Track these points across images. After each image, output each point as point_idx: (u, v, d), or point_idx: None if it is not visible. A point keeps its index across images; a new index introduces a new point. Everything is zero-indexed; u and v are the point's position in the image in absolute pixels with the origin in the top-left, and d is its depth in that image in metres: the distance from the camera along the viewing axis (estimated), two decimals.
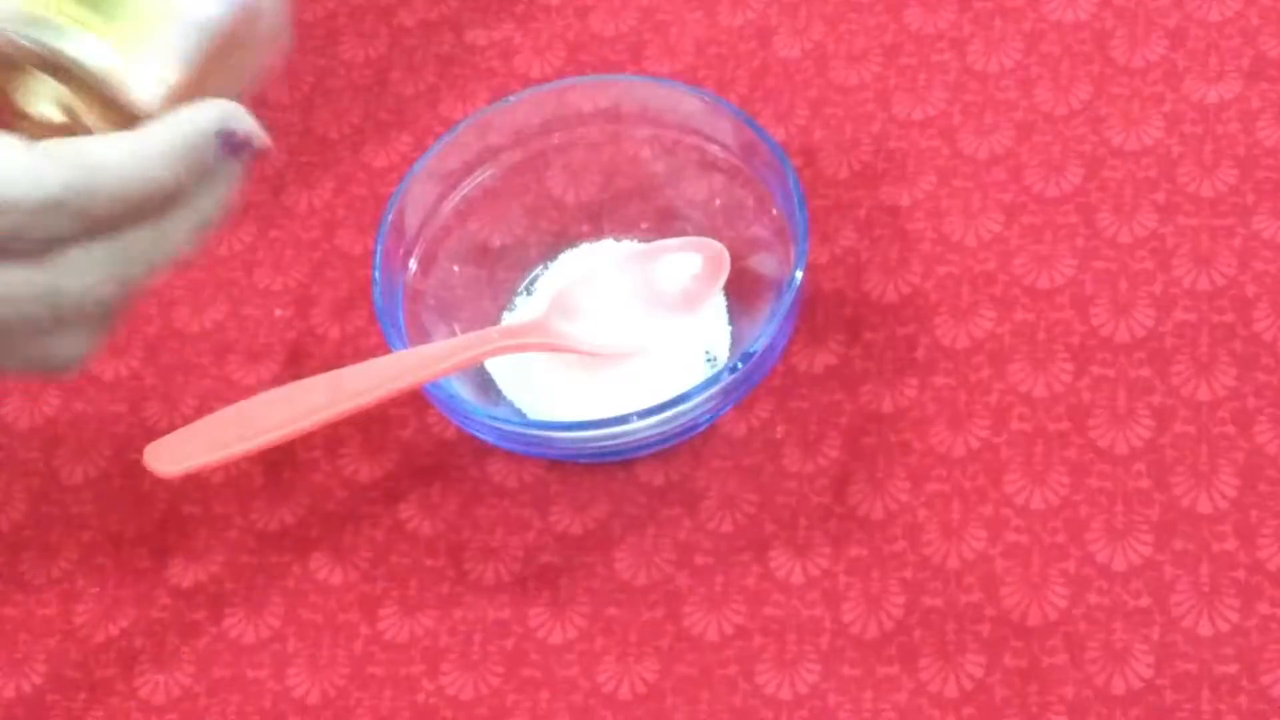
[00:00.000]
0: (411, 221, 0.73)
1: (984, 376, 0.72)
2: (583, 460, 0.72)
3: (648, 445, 0.71)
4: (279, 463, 0.74)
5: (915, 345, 0.73)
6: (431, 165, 0.74)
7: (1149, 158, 0.76)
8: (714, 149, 0.74)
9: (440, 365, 0.69)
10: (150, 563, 0.73)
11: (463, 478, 0.73)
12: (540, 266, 0.76)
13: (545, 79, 0.81)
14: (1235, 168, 0.75)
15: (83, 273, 0.53)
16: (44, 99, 0.53)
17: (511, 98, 0.75)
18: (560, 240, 0.77)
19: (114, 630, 0.72)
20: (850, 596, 0.68)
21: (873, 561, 0.69)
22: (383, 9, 0.85)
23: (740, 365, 0.68)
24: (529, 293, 0.76)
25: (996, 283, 0.74)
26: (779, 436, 0.72)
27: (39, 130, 0.55)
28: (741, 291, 0.74)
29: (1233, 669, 0.65)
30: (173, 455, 0.68)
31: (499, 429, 0.69)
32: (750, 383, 0.70)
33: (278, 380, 0.76)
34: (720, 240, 0.73)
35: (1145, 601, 0.67)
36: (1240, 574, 0.67)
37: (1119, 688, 0.65)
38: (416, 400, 0.74)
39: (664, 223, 0.76)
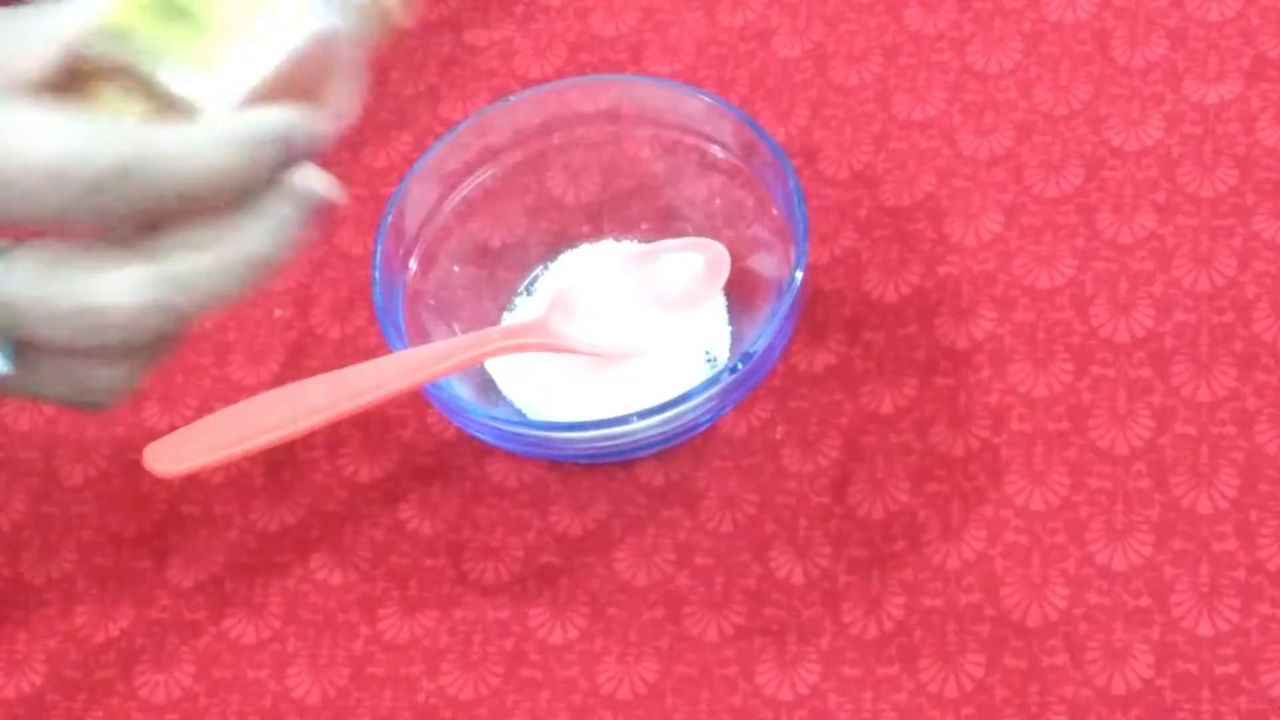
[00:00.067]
0: (411, 221, 0.73)
1: (984, 376, 0.72)
2: (583, 460, 0.72)
3: (648, 445, 0.71)
4: (279, 463, 0.74)
5: (915, 345, 0.73)
6: (431, 165, 0.74)
7: (1149, 158, 0.76)
8: (714, 149, 0.74)
9: (440, 365, 0.69)
10: (150, 563, 0.73)
11: (463, 478, 0.73)
12: (540, 267, 0.76)
13: (545, 79, 0.81)
14: (1235, 168, 0.75)
15: (130, 293, 0.51)
16: (113, 107, 0.53)
17: (511, 98, 0.75)
18: (560, 240, 0.77)
19: (114, 630, 0.72)
20: (850, 596, 0.68)
21: (873, 561, 0.69)
22: None
23: (740, 365, 0.68)
24: (529, 293, 0.76)
25: (996, 283, 0.74)
26: (779, 436, 0.72)
27: None
28: (741, 291, 0.74)
29: (1233, 669, 0.65)
30: (173, 455, 0.68)
31: (499, 429, 0.69)
32: (750, 383, 0.70)
33: (278, 380, 0.76)
34: (720, 240, 0.73)
35: (1145, 601, 0.67)
36: (1240, 574, 0.67)
37: (1119, 688, 0.65)
38: (416, 400, 0.74)
39: (664, 223, 0.76)
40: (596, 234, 0.77)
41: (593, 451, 0.71)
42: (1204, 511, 0.68)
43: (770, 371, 0.71)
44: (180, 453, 0.68)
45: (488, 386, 0.73)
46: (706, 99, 0.74)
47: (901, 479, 0.70)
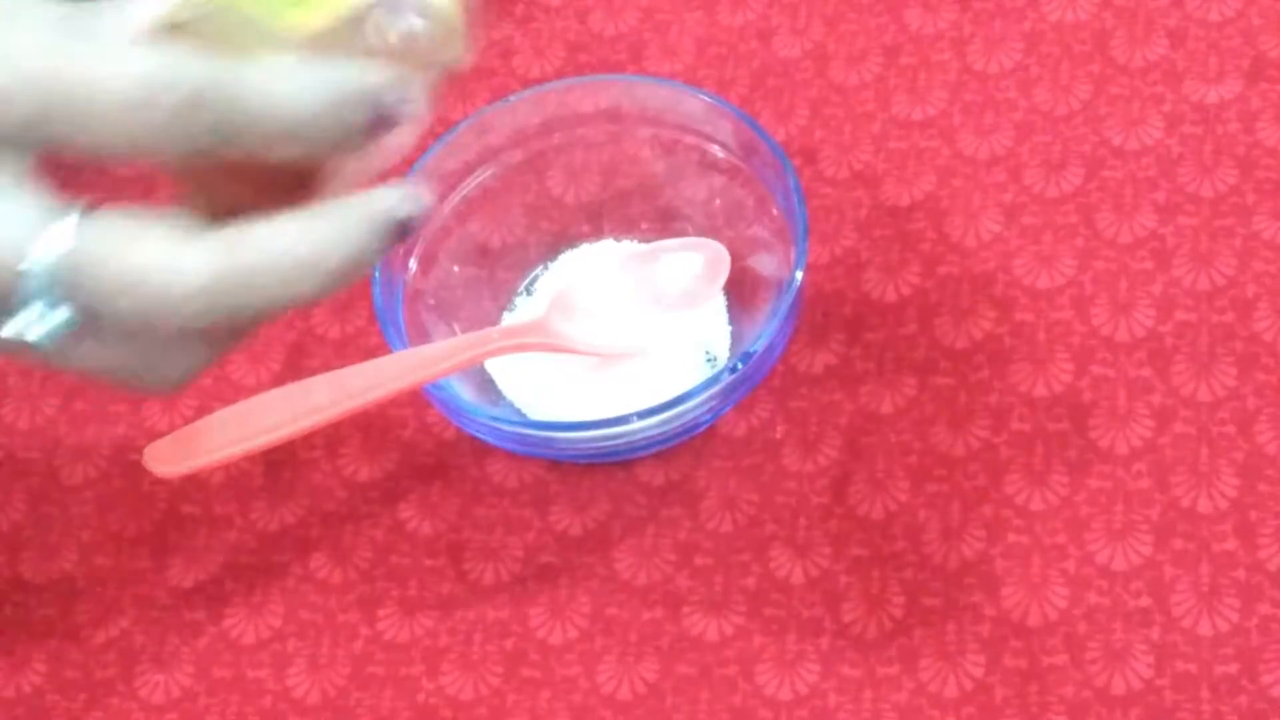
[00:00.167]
0: None
1: (984, 376, 0.72)
2: (583, 460, 0.72)
3: (648, 445, 0.71)
4: (279, 463, 0.74)
5: (915, 345, 0.73)
6: (431, 165, 0.74)
7: (1149, 158, 0.76)
8: (714, 149, 0.74)
9: (440, 365, 0.69)
10: (150, 563, 0.73)
11: (463, 478, 0.73)
12: (540, 266, 0.76)
13: (545, 79, 0.81)
14: (1235, 168, 0.75)
15: (204, 271, 0.49)
16: None
17: (511, 98, 0.75)
18: (560, 240, 0.77)
19: (114, 630, 0.72)
20: (850, 596, 0.68)
21: (873, 561, 0.69)
22: None
23: (740, 365, 0.68)
24: (529, 293, 0.76)
25: (996, 283, 0.74)
26: (779, 436, 0.72)
27: None
28: (741, 291, 0.74)
29: (1233, 669, 0.65)
30: (173, 455, 0.68)
31: (499, 429, 0.69)
32: (750, 383, 0.70)
33: (278, 380, 0.76)
34: (720, 240, 0.73)
35: (1145, 601, 0.67)
36: (1240, 574, 0.67)
37: (1119, 688, 0.65)
38: (416, 400, 0.74)
39: (664, 223, 0.76)
40: (596, 234, 0.77)
41: (593, 451, 0.71)
42: (1204, 511, 0.68)
43: (770, 371, 0.71)
44: (180, 453, 0.68)
45: (488, 386, 0.73)
46: (706, 99, 0.74)
47: (901, 479, 0.70)
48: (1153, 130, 0.76)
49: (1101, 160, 0.76)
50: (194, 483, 0.74)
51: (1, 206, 0.49)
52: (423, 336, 0.72)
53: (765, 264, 0.73)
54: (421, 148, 0.79)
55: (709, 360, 0.73)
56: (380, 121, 0.51)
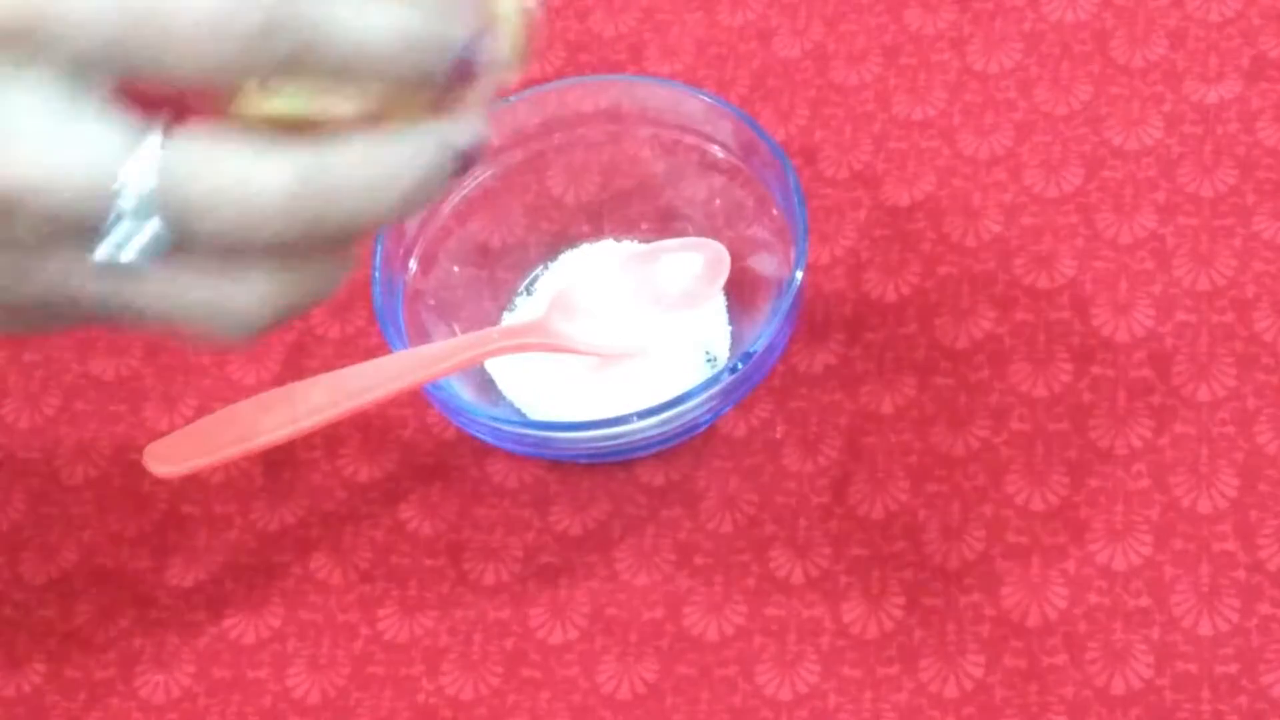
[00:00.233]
0: (411, 221, 0.73)
1: (984, 376, 0.72)
2: (583, 460, 0.72)
3: (648, 445, 0.71)
4: (279, 463, 0.74)
5: (915, 345, 0.73)
6: None
7: (1149, 158, 0.76)
8: (714, 149, 0.74)
9: (440, 365, 0.69)
10: (150, 563, 0.73)
11: (463, 478, 0.73)
12: (540, 266, 0.76)
13: (545, 79, 0.81)
14: (1235, 168, 0.75)
15: (286, 174, 0.48)
16: None
17: (512, 98, 0.75)
18: (560, 240, 0.77)
19: (114, 630, 0.72)
20: (850, 596, 0.68)
21: (873, 561, 0.69)
22: None
23: (740, 365, 0.68)
24: (529, 293, 0.76)
25: (996, 283, 0.74)
26: (779, 436, 0.72)
27: None
28: (741, 291, 0.74)
29: (1233, 669, 0.65)
30: (172, 455, 0.68)
31: (499, 429, 0.69)
32: (750, 383, 0.70)
33: (278, 380, 0.76)
34: (720, 240, 0.73)
35: (1145, 601, 0.67)
36: (1240, 574, 0.67)
37: (1119, 688, 0.65)
38: (416, 400, 0.74)
39: (664, 223, 0.76)
40: (596, 234, 0.77)
41: (593, 451, 0.71)
42: (1204, 511, 0.68)
43: (770, 371, 0.71)
44: (180, 453, 0.68)
45: (488, 386, 0.73)
46: (706, 99, 0.74)
47: (901, 479, 0.70)
48: (1153, 130, 0.76)
49: (1101, 160, 0.76)
50: (194, 483, 0.74)
51: (90, 128, 0.49)
52: (423, 336, 0.72)
53: (765, 264, 0.73)
54: None
55: (709, 360, 0.73)
56: (459, 72, 0.50)
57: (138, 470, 0.69)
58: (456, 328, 0.74)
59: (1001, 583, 0.68)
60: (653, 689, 0.68)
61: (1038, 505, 0.69)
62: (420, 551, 0.72)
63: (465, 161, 0.51)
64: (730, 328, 0.74)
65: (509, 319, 0.75)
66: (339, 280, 0.53)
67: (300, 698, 0.70)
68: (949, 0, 0.81)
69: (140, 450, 0.68)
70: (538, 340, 0.71)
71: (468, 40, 0.50)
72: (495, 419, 0.69)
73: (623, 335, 0.72)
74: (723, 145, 0.74)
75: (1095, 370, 0.71)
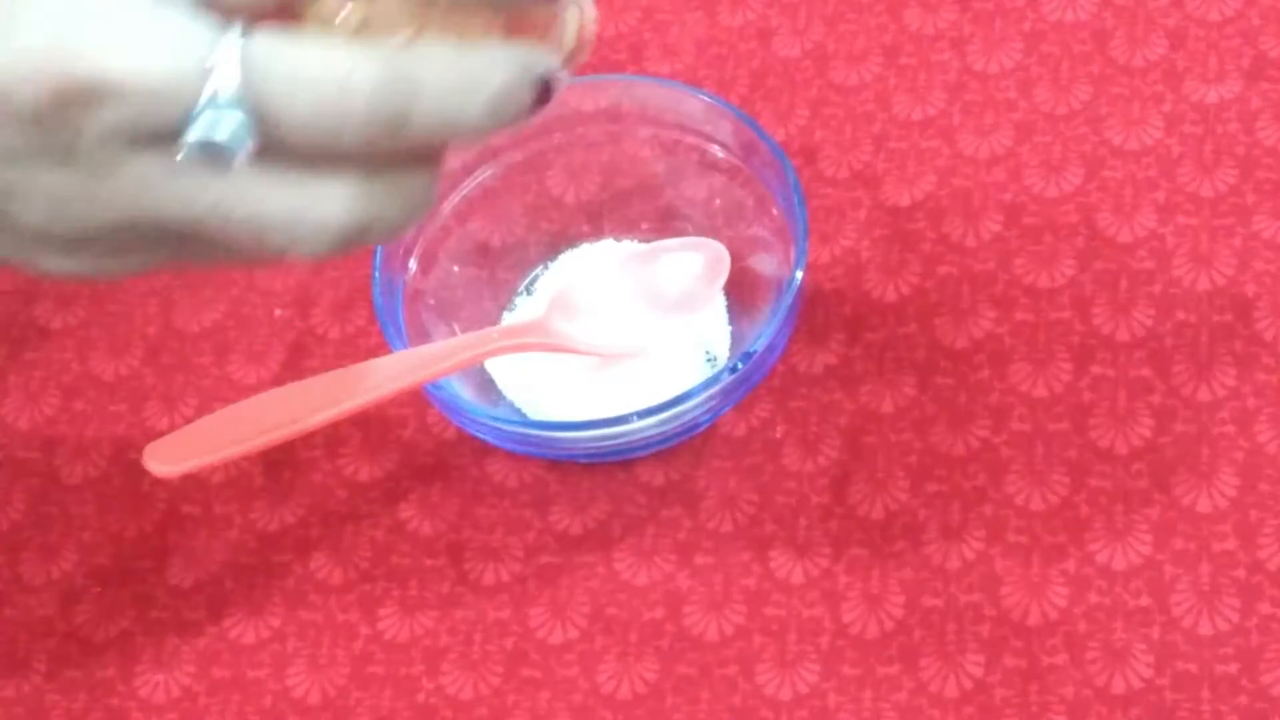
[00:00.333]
0: None
1: (984, 376, 0.72)
2: (583, 460, 0.72)
3: (648, 445, 0.71)
4: (279, 463, 0.74)
5: (915, 345, 0.73)
6: None
7: (1149, 158, 0.76)
8: (714, 149, 0.74)
9: (440, 365, 0.69)
10: (150, 563, 0.73)
11: (463, 478, 0.73)
12: (540, 266, 0.76)
13: None
14: (1235, 168, 0.75)
15: (371, 64, 0.48)
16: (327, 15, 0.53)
17: None
18: (560, 240, 0.77)
19: (114, 630, 0.72)
20: (850, 596, 0.68)
21: (873, 561, 0.69)
22: None
23: (740, 365, 0.68)
24: (529, 293, 0.76)
25: (996, 283, 0.74)
26: (779, 436, 0.72)
27: None
28: (741, 291, 0.74)
29: (1233, 669, 0.65)
30: (172, 455, 0.68)
31: (499, 429, 0.69)
32: (750, 383, 0.70)
33: (278, 380, 0.76)
34: (720, 240, 0.73)
35: (1145, 601, 0.67)
36: (1240, 574, 0.67)
37: (1119, 688, 0.65)
38: (416, 400, 0.74)
39: (664, 223, 0.76)
40: (596, 234, 0.77)
41: (593, 451, 0.71)
42: (1204, 511, 0.68)
43: (770, 371, 0.71)
44: (180, 453, 0.68)
45: (488, 386, 0.73)
46: (706, 99, 0.74)
47: (901, 479, 0.70)
48: (1153, 130, 0.76)
49: (1101, 160, 0.76)
50: (194, 483, 0.74)
51: (175, 19, 0.49)
52: (423, 336, 0.72)
53: (765, 264, 0.73)
54: None
55: (709, 360, 0.73)
56: (542, 97, 0.51)
57: (138, 470, 0.69)
58: (456, 328, 0.74)
59: (1001, 582, 0.68)
60: (653, 689, 0.68)
61: (1038, 505, 0.69)
62: (420, 551, 0.72)
63: (543, 91, 0.51)
64: (730, 328, 0.74)
65: (509, 319, 0.75)
66: (417, 205, 0.52)
67: (300, 697, 0.70)
68: (949, 0, 0.81)
69: (140, 450, 0.68)
70: (538, 340, 0.71)
71: (549, 69, 0.51)
72: (495, 419, 0.69)
73: (623, 335, 0.72)
74: (723, 145, 0.74)
75: (1095, 370, 0.71)
